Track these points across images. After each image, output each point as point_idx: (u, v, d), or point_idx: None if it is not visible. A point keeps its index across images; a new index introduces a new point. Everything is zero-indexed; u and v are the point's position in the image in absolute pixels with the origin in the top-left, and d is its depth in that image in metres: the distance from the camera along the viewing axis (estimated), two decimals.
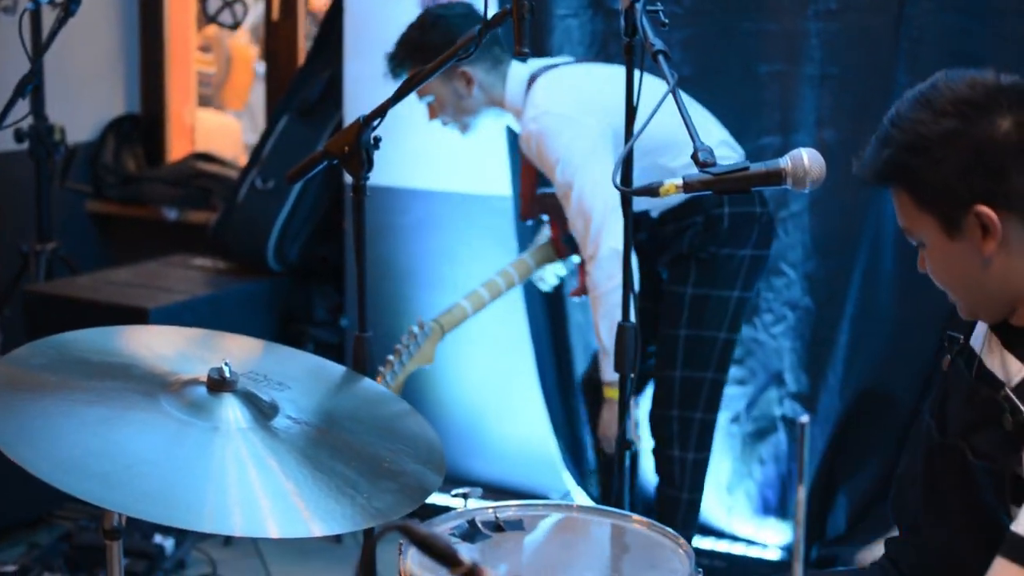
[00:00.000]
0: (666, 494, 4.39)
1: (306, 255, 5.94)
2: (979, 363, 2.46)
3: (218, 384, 2.38)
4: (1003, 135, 2.28)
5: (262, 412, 2.39)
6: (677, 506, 4.40)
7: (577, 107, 4.14)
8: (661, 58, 2.73)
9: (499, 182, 4.98)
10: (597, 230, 4.07)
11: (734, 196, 3.91)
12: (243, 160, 6.97)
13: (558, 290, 4.96)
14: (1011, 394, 2.30)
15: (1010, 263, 2.33)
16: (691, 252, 4.25)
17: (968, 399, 2.44)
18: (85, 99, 6.81)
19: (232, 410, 2.36)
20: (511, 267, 4.56)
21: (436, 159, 5.29)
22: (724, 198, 4.19)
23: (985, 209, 2.28)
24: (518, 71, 4.30)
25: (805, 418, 1.46)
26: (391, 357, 4.17)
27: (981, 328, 2.52)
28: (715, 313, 4.31)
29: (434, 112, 4.37)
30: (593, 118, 4.09)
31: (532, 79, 4.29)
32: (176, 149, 7.13)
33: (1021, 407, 2.27)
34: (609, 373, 4.15)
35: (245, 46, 9.74)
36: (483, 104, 4.34)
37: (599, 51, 4.85)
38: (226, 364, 2.39)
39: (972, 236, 2.32)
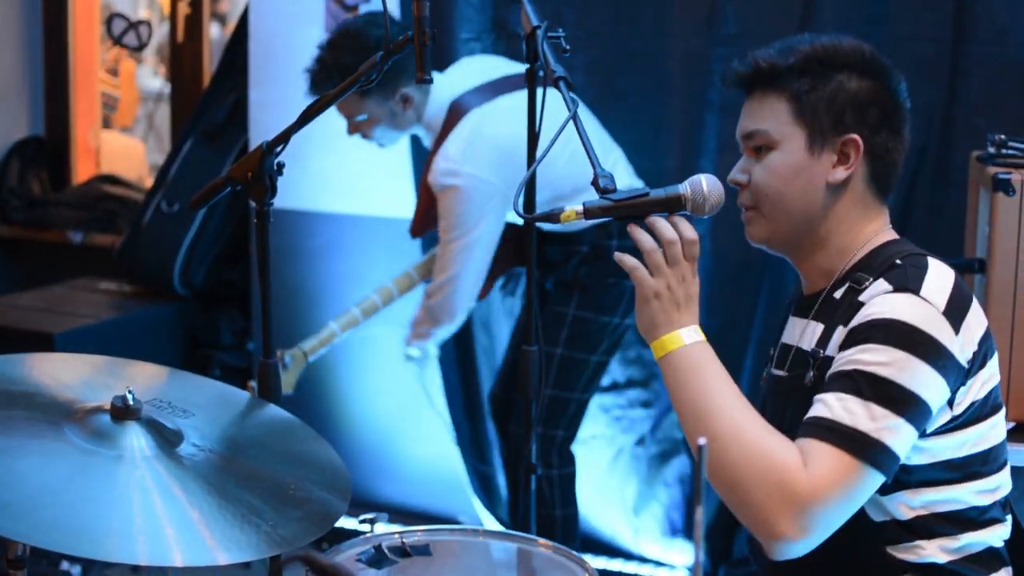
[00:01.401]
0: (540, 514, 4.42)
1: (212, 279, 5.92)
2: (780, 346, 2.66)
3: (122, 412, 2.36)
4: (903, 97, 2.57)
5: (166, 440, 2.38)
6: (553, 524, 4.44)
7: (490, 167, 4.19)
8: (562, 84, 2.76)
9: (406, 205, 4.99)
10: (455, 287, 4.31)
11: (623, 229, 4.04)
12: (148, 182, 6.95)
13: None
14: (807, 351, 2.51)
15: (839, 200, 2.54)
16: (576, 280, 4.34)
17: (776, 391, 2.62)
18: None
19: (136, 438, 2.34)
20: (392, 283, 4.65)
21: (342, 182, 5.29)
22: (613, 229, 4.27)
23: (860, 141, 2.52)
24: (440, 93, 4.33)
25: (703, 440, 1.49)
26: (253, 384, 4.20)
27: (788, 323, 2.70)
28: (593, 337, 4.42)
29: (361, 129, 4.36)
30: (500, 179, 4.18)
31: (453, 105, 4.32)
32: (81, 172, 7.09)
33: (820, 352, 2.46)
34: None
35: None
36: (414, 122, 4.38)
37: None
38: (130, 392, 2.37)
39: (828, 159, 2.53)
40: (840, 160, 2.53)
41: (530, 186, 3.20)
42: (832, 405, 2.31)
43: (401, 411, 5.37)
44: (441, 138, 4.30)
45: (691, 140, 4.61)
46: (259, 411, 2.73)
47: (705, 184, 2.45)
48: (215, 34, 9.20)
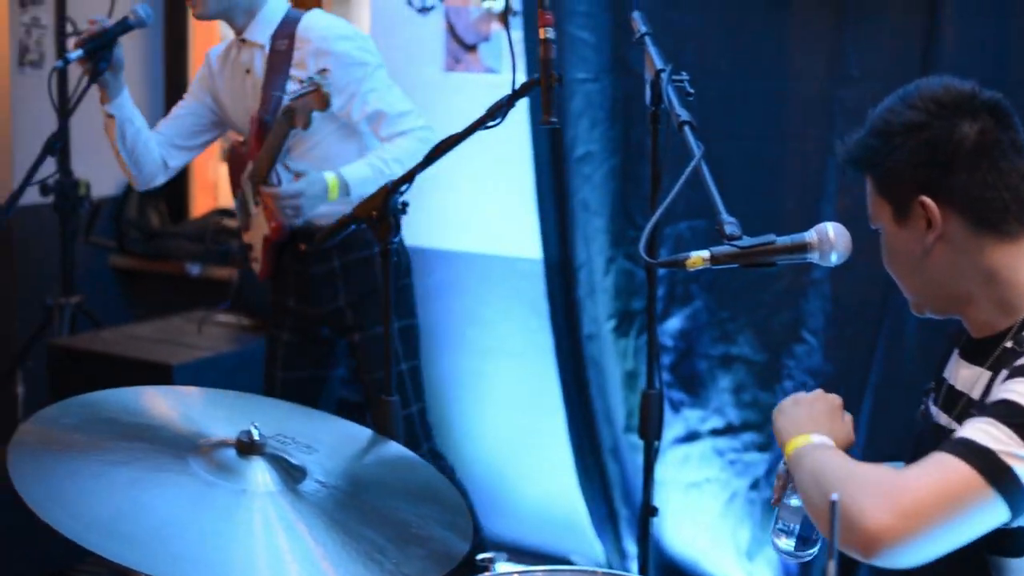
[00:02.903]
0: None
1: None
2: (947, 388, 2.53)
3: (247, 447, 2.39)
4: (960, 136, 2.38)
5: (290, 475, 2.40)
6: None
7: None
8: (687, 129, 2.76)
9: (525, 244, 5.01)
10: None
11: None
12: None
13: (584, 348, 4.98)
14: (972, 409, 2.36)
15: (950, 258, 2.42)
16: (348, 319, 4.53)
17: (935, 434, 2.48)
18: (110, 154, 6.85)
19: (261, 473, 2.37)
20: None
21: (460, 220, 5.32)
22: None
23: (929, 200, 2.38)
24: (277, 5, 4.43)
25: (836, 496, 1.48)
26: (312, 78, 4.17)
27: (952, 359, 2.58)
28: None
29: None
30: None
31: (293, 18, 4.41)
32: (199, 205, 7.18)
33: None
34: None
35: None
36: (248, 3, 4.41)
37: (620, 114, 4.88)
38: (255, 427, 2.40)
39: (917, 225, 2.41)
40: (927, 224, 2.41)
41: (654, 232, 3.19)
42: (966, 426, 2.21)
43: (516, 448, 5.38)
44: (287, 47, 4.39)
45: (811, 183, 4.59)
46: (380, 448, 2.75)
47: (832, 232, 2.44)
48: None
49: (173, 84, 7.06)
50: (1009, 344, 2.38)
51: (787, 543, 2.58)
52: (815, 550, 2.60)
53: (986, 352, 2.44)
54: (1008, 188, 2.39)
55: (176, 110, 4.56)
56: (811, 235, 2.44)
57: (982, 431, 2.19)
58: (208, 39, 7.14)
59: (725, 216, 2.48)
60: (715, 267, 2.44)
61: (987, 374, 2.41)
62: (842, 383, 4.62)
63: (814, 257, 2.44)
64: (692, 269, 2.41)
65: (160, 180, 4.50)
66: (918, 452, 2.52)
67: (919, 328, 4.44)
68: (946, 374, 2.58)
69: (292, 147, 4.29)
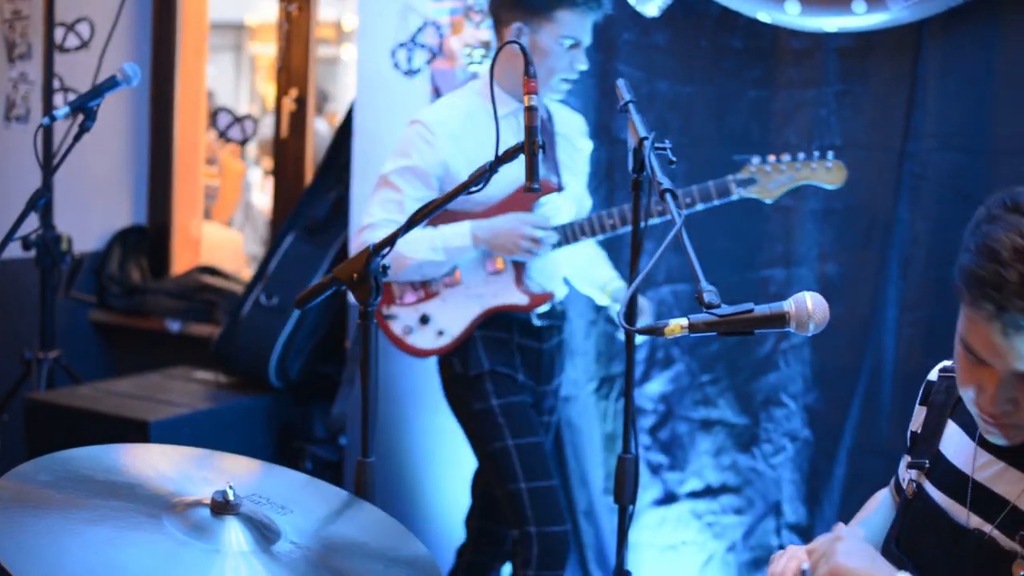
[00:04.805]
0: None
1: (307, 372, 5.96)
2: (973, 485, 2.44)
3: (221, 507, 2.38)
4: None
5: (264, 536, 2.39)
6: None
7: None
8: (668, 197, 2.76)
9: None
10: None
11: None
12: (245, 273, 7.01)
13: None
14: None
15: None
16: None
17: (952, 535, 2.43)
18: (93, 210, 6.87)
19: (235, 533, 2.35)
20: None
21: None
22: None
23: None
24: None
25: (806, 565, 1.48)
26: None
27: (959, 442, 2.51)
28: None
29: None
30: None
31: None
32: (181, 261, 7.18)
33: None
34: None
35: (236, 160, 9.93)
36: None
37: (604, 179, 4.90)
38: (230, 487, 2.39)
39: None
40: None
41: (632, 300, 3.20)
42: None
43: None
44: None
45: (793, 249, 4.61)
46: (356, 510, 2.74)
47: (810, 302, 2.43)
48: (324, 129, 9.30)
49: (158, 139, 7.08)
50: None
51: None
52: None
53: None
54: None
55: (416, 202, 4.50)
56: (789, 305, 2.42)
57: None
58: (195, 99, 7.17)
59: (704, 284, 2.47)
60: (693, 335, 2.43)
61: None
62: (818, 447, 4.64)
63: (791, 327, 2.43)
64: (670, 336, 2.41)
65: None
66: (915, 535, 2.48)
67: (894, 395, 4.46)
68: (945, 451, 2.53)
69: None
